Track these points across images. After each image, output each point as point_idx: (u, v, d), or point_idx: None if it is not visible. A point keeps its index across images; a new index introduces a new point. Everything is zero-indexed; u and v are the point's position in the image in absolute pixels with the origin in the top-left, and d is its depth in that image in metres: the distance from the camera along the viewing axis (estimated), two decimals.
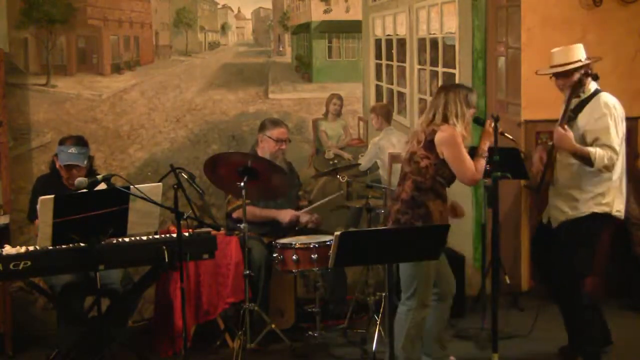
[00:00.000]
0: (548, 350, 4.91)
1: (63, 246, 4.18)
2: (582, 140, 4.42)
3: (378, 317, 4.98)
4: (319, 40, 6.17)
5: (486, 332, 4.97)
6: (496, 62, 6.36)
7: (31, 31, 5.60)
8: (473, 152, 4.36)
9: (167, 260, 4.30)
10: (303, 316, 5.30)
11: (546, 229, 4.68)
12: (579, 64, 4.50)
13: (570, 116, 4.49)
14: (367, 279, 5.18)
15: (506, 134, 4.48)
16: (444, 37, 6.17)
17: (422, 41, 6.24)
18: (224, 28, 6.12)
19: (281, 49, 6.17)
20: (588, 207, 4.46)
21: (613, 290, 5.84)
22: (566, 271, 4.54)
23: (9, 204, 5.27)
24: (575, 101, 4.50)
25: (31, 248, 4.21)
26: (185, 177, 4.40)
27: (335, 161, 6.17)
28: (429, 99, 6.15)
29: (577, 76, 4.45)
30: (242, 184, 4.69)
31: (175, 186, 4.21)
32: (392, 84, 6.31)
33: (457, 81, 5.95)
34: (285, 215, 5.30)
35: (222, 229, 4.93)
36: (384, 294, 4.96)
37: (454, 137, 4.20)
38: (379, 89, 6.28)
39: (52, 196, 4.01)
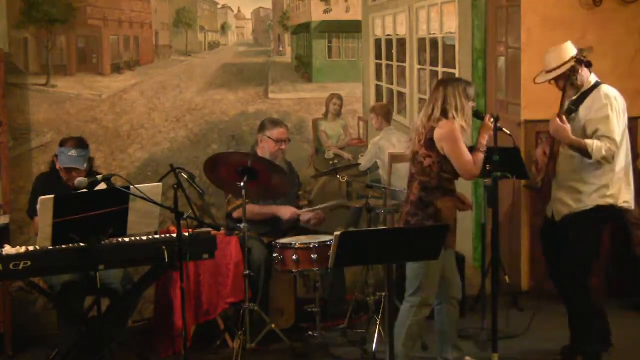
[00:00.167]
0: (548, 350, 4.91)
1: (63, 246, 4.18)
2: (584, 132, 4.43)
3: (378, 317, 4.98)
4: (319, 40, 6.17)
5: (486, 332, 4.97)
6: (496, 62, 6.36)
7: (31, 31, 5.60)
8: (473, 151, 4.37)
9: (167, 260, 4.30)
10: (303, 316, 5.30)
11: (551, 223, 4.68)
12: (573, 62, 4.51)
13: (571, 109, 4.51)
14: (367, 279, 5.17)
15: (504, 129, 4.47)
16: (444, 37, 6.17)
17: (422, 41, 6.24)
18: (224, 28, 6.12)
19: (281, 49, 6.17)
20: (592, 200, 4.45)
21: (613, 290, 5.83)
22: (570, 266, 4.54)
23: (9, 204, 5.27)
24: (570, 94, 4.52)
25: (31, 248, 4.21)
26: (185, 177, 4.40)
27: (335, 161, 6.17)
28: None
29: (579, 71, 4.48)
30: (242, 184, 4.69)
31: (175, 186, 4.21)
32: (392, 84, 6.31)
33: None
34: (286, 212, 5.30)
35: (222, 229, 4.93)
36: (384, 294, 4.96)
37: (453, 131, 4.21)
38: (379, 89, 6.28)
39: (52, 196, 4.01)
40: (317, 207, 5.44)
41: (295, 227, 5.38)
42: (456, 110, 4.25)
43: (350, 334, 5.20)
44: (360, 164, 6.15)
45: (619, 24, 6.17)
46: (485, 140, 4.33)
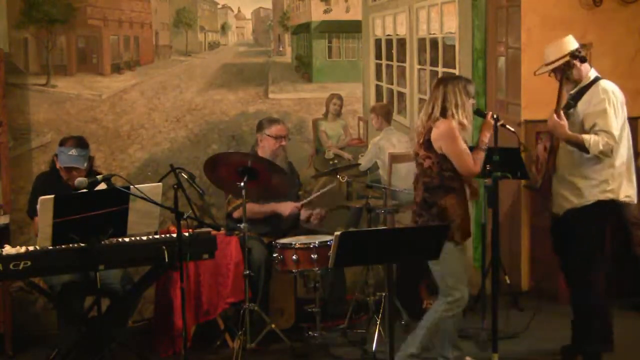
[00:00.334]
0: (548, 350, 4.91)
1: (63, 246, 4.17)
2: (582, 126, 4.43)
3: (378, 317, 4.98)
4: (319, 40, 6.17)
5: (486, 332, 4.97)
6: (496, 62, 6.36)
7: (31, 31, 5.60)
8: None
9: (167, 260, 4.30)
10: (303, 316, 5.30)
11: (558, 219, 4.68)
12: (568, 56, 4.51)
13: (570, 104, 4.52)
14: (367, 279, 5.17)
15: (508, 126, 4.48)
16: (444, 37, 6.17)
17: (422, 41, 6.24)
18: (224, 28, 6.12)
19: (281, 49, 6.17)
20: (593, 195, 4.45)
21: (613, 290, 5.83)
22: (574, 262, 4.54)
23: (9, 204, 5.27)
24: (569, 88, 4.53)
25: (31, 248, 4.21)
26: (185, 177, 4.40)
27: (335, 161, 6.17)
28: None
29: (575, 66, 4.48)
30: (242, 184, 4.69)
31: (175, 186, 4.21)
32: (392, 84, 6.31)
33: None
34: (286, 207, 5.30)
35: (222, 229, 4.93)
36: (384, 294, 4.96)
37: (450, 130, 4.22)
38: (379, 89, 6.28)
39: (52, 196, 4.01)
40: (313, 195, 5.43)
41: (296, 226, 5.39)
42: (456, 107, 4.26)
43: (350, 334, 5.20)
44: (360, 164, 6.15)
45: (619, 24, 6.17)
46: (486, 138, 4.33)
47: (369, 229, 4.96)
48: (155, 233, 4.59)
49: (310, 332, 5.08)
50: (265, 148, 5.31)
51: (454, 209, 4.27)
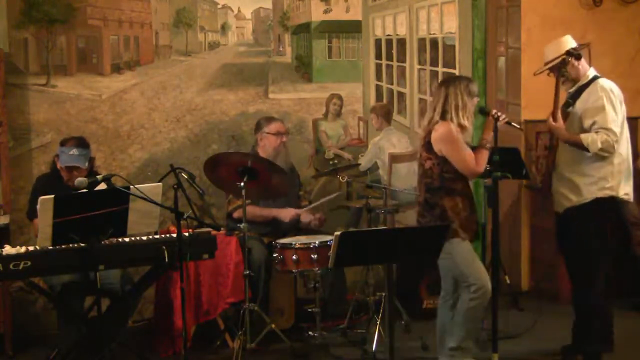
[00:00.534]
0: (548, 350, 4.91)
1: (63, 246, 4.18)
2: (581, 124, 4.44)
3: (378, 317, 4.98)
4: (319, 40, 6.17)
5: (486, 332, 4.96)
6: (496, 62, 6.36)
7: (31, 31, 5.59)
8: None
9: (167, 260, 4.30)
10: (303, 316, 5.30)
11: (558, 216, 4.69)
12: (564, 54, 4.53)
13: (569, 102, 4.55)
14: (367, 279, 5.17)
15: (514, 124, 4.48)
16: (444, 37, 6.17)
17: (422, 41, 6.24)
18: (224, 28, 6.12)
19: (281, 49, 6.17)
20: (591, 193, 4.46)
21: (613, 290, 5.82)
22: (575, 262, 4.54)
23: (9, 204, 5.27)
24: (567, 86, 4.55)
25: (31, 248, 4.21)
26: (185, 177, 4.40)
27: (335, 161, 6.17)
28: (429, 99, 6.15)
29: (571, 64, 4.49)
30: (242, 184, 4.69)
31: (175, 186, 4.21)
32: (392, 84, 6.31)
33: None
34: (287, 214, 5.30)
35: (222, 229, 4.93)
36: (384, 294, 4.96)
37: (448, 133, 4.22)
38: (379, 89, 6.28)
39: (52, 196, 4.01)
40: (316, 203, 5.44)
41: (296, 226, 5.38)
42: (456, 109, 4.26)
43: (350, 334, 5.20)
44: (360, 164, 6.15)
45: (619, 24, 6.17)
46: (490, 136, 4.33)
47: (369, 229, 4.96)
48: (155, 233, 4.59)
49: (310, 332, 5.08)
50: (267, 147, 5.31)
51: (454, 210, 4.27)
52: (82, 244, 4.15)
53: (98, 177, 4.09)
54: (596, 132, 4.36)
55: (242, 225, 4.74)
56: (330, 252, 3.56)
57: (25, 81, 5.61)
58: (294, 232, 5.31)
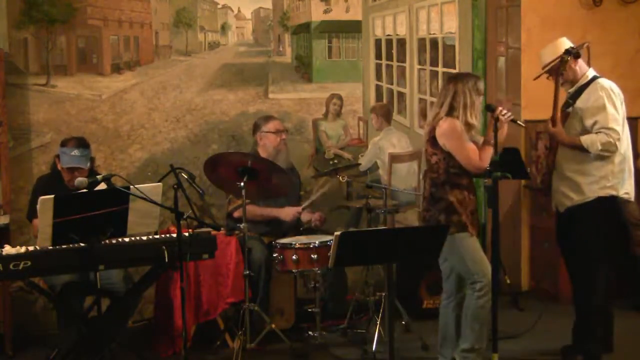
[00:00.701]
0: (548, 350, 4.91)
1: (63, 246, 4.17)
2: (582, 124, 4.44)
3: (378, 317, 4.98)
4: (319, 40, 6.17)
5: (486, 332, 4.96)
6: (496, 62, 6.36)
7: (31, 31, 5.60)
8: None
9: (167, 260, 4.30)
10: (303, 316, 5.30)
11: (558, 216, 4.68)
12: (562, 55, 4.53)
13: (569, 103, 4.55)
14: (367, 279, 5.18)
15: (519, 122, 4.49)
16: (444, 37, 6.17)
17: (422, 41, 6.24)
18: (224, 28, 6.12)
19: (281, 49, 6.17)
20: (592, 192, 4.46)
21: (613, 290, 5.82)
22: (576, 261, 4.54)
23: (9, 204, 5.27)
24: (567, 87, 4.55)
25: (31, 248, 4.21)
26: (185, 177, 4.40)
27: (335, 161, 6.17)
28: (429, 99, 6.16)
29: (568, 66, 4.49)
30: (242, 184, 4.69)
31: (175, 186, 4.21)
32: (392, 84, 6.31)
33: None
34: (287, 213, 5.30)
35: (222, 229, 4.93)
36: (384, 294, 4.96)
37: (453, 128, 4.23)
38: (379, 89, 6.28)
39: (52, 196, 4.01)
40: (313, 197, 5.43)
41: (296, 226, 5.39)
42: (464, 107, 4.28)
43: (350, 334, 5.20)
44: (360, 164, 6.15)
45: (619, 24, 6.17)
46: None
47: (369, 229, 4.96)
48: (155, 233, 4.59)
49: (310, 332, 5.08)
50: (267, 145, 5.31)
51: (460, 203, 4.28)
52: (82, 244, 4.15)
53: (98, 177, 4.10)
54: (597, 132, 4.36)
55: (242, 225, 4.74)
56: (330, 252, 3.56)
57: (25, 81, 5.61)
58: (294, 232, 5.32)
